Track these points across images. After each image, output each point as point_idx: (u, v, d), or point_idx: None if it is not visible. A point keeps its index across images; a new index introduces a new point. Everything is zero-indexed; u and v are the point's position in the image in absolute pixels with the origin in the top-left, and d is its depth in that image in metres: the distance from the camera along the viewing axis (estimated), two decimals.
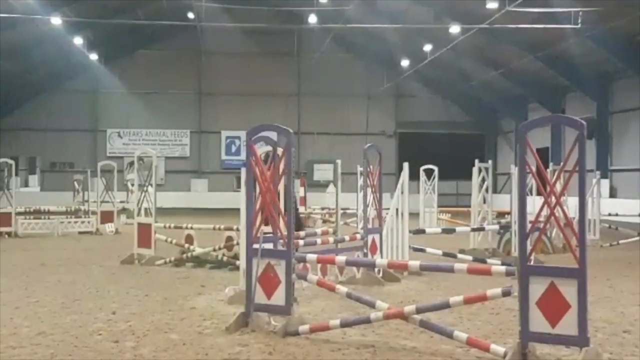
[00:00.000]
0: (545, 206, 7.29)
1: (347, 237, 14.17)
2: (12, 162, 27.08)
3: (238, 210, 11.24)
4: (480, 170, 19.60)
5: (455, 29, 34.67)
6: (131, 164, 24.76)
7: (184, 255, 16.49)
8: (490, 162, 21.23)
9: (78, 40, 40.37)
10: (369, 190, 13.65)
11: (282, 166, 9.51)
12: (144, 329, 9.31)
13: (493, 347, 7.41)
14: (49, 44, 39.46)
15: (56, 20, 34.75)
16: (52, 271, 15.54)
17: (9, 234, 24.21)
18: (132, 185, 22.70)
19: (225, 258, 15.60)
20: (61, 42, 39.30)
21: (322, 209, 27.00)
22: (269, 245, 9.34)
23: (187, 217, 21.04)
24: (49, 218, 27.03)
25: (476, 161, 19.83)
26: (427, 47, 40.06)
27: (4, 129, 48.95)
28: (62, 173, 46.77)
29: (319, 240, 13.29)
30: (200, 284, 13.23)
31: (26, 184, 45.60)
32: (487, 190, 19.94)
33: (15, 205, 25.54)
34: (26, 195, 35.10)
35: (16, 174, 27.28)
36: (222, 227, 16.75)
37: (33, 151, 48.44)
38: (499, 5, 29.51)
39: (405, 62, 45.19)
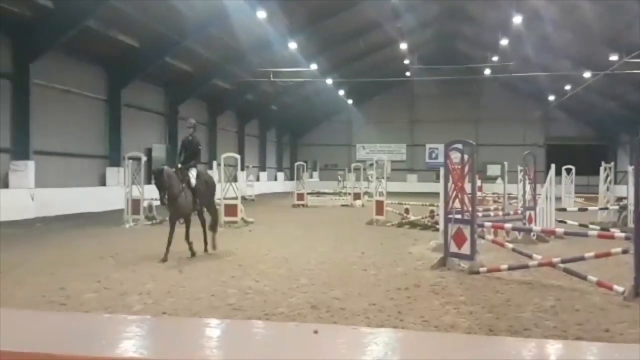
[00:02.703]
0: None
1: (511, 212, 13.51)
2: (304, 163, 28.71)
3: (437, 194, 11.07)
4: (605, 169, 17.97)
5: (587, 74, 31.66)
6: (371, 165, 25.25)
7: (403, 221, 16.56)
8: (612, 163, 19.27)
9: (341, 92, 41.82)
10: (526, 181, 12.94)
11: (467, 166, 9.24)
12: (381, 264, 9.48)
13: (615, 287, 6.79)
14: (325, 94, 41.16)
15: (329, 81, 36.19)
16: (326, 226, 16.25)
17: (303, 205, 25.68)
18: (371, 177, 23.10)
19: (429, 223, 15.45)
20: (331, 93, 40.85)
21: (493, 193, 25.73)
22: (458, 216, 9.10)
23: (404, 197, 21.02)
24: (324, 196, 28.33)
25: (602, 162, 18.26)
26: (567, 87, 36.95)
27: (301, 144, 52.09)
28: (331, 170, 48.57)
29: (492, 214, 12.83)
30: (414, 238, 13.21)
31: (311, 177, 47.95)
32: (610, 182, 18.14)
33: (306, 189, 27.04)
34: (311, 183, 36.91)
35: (306, 171, 28.74)
36: (427, 204, 16.60)
37: (315, 157, 50.75)
38: (619, 57, 26.50)
39: (551, 97, 41.95)
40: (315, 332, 1.22)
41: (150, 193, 18.70)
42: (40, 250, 10.88)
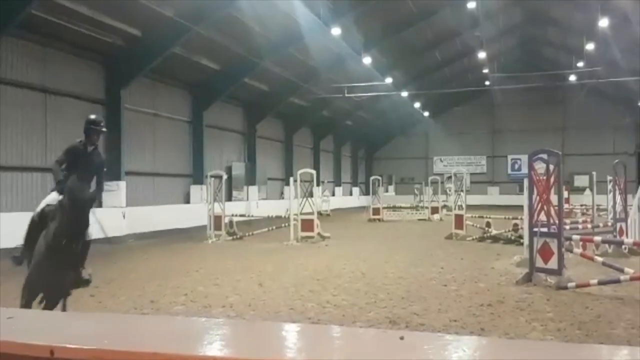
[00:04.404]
0: None
1: (600, 225, 12.78)
2: (379, 178, 28.66)
3: (520, 207, 10.69)
4: None
5: None
6: (449, 177, 24.71)
7: (484, 235, 16.07)
8: None
9: (417, 104, 41.39)
10: (617, 192, 12.19)
11: (553, 177, 8.87)
12: (461, 279, 9.27)
13: None
14: (400, 107, 40.89)
15: (404, 94, 35.98)
16: (403, 241, 16.09)
17: (379, 219, 25.54)
18: (450, 190, 22.62)
19: (512, 237, 14.90)
20: (406, 106, 40.53)
21: (581, 205, 24.40)
22: (545, 229, 8.73)
23: (485, 210, 20.43)
24: (400, 210, 28.03)
25: None
26: None
27: (376, 158, 51.91)
28: (407, 184, 47.97)
29: (580, 226, 12.18)
30: (496, 253, 12.81)
31: (387, 191, 47.50)
32: None
33: (382, 203, 26.91)
34: (387, 197, 36.66)
35: (381, 185, 28.64)
36: (510, 217, 16.03)
37: (390, 171, 50.34)
38: None
39: None
40: (402, 338, 1.26)
41: (231, 209, 19.38)
42: (132, 265, 11.57)
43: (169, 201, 22.15)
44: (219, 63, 23.48)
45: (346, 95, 31.89)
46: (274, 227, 17.14)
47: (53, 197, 5.74)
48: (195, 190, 23.65)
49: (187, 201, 23.69)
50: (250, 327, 1.68)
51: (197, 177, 23.84)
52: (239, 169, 27.94)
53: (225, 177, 18.07)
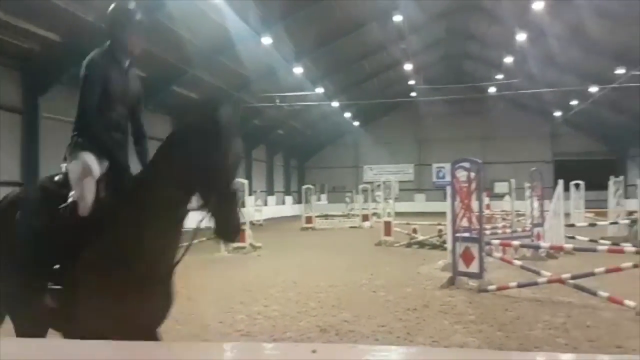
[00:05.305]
0: None
1: (519, 229, 13.43)
2: (311, 186, 28.75)
3: (445, 213, 11.03)
4: (614, 183, 17.78)
5: (593, 88, 31.70)
6: (378, 185, 25.16)
7: (411, 241, 16.47)
8: (621, 177, 19.07)
9: (347, 114, 41.98)
10: (534, 198, 12.88)
11: (474, 184, 9.25)
12: (390, 285, 9.42)
13: (626, 302, 6.71)
14: (331, 117, 41.34)
15: (334, 104, 36.41)
16: (335, 249, 16.13)
17: (312, 228, 25.56)
18: (379, 198, 23.05)
19: (437, 242, 15.36)
20: (337, 116, 41.05)
21: (501, 211, 25.60)
22: (466, 234, 9.07)
23: (412, 217, 21.00)
24: (332, 219, 28.23)
25: (611, 177, 18.06)
26: (574, 102, 37.01)
27: (308, 167, 52.10)
28: (338, 193, 48.45)
29: (500, 231, 12.75)
30: (422, 258, 13.12)
31: (319, 199, 47.67)
32: (620, 196, 17.93)
33: (314, 212, 27.00)
34: (320, 206, 36.82)
35: (314, 194, 28.76)
36: (435, 223, 16.53)
37: (322, 180, 50.66)
38: (626, 70, 26.56)
39: (558, 113, 41.96)
40: (314, 351, 1.25)
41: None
42: None
43: None
44: (146, 70, 22.71)
45: (278, 104, 31.87)
46: (204, 239, 16.75)
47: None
48: None
49: None
50: (156, 348, 1.62)
51: None
52: None
53: None
